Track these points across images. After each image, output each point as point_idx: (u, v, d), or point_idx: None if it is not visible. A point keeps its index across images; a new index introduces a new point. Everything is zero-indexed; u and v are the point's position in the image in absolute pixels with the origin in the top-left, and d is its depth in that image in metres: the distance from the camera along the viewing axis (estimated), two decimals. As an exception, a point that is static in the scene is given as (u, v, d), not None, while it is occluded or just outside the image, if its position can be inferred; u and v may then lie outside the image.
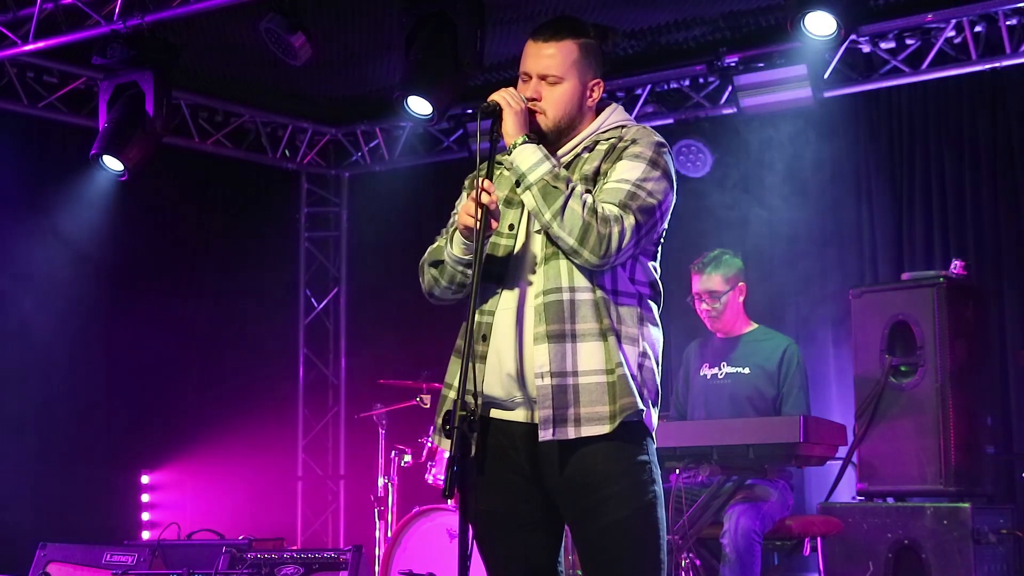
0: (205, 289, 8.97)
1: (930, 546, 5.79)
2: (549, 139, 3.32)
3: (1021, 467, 6.73)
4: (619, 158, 3.24)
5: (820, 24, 6.12)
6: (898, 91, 7.51)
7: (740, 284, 5.98)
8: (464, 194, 3.43)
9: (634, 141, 3.27)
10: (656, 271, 3.35)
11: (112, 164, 7.19)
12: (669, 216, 3.32)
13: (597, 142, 3.32)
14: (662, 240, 3.36)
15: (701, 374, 6.03)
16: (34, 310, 7.97)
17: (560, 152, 3.33)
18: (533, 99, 3.29)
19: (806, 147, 7.60)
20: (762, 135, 7.66)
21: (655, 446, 3.28)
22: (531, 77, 3.32)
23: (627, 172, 3.21)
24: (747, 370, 5.89)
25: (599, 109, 3.40)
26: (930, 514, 5.84)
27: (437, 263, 3.38)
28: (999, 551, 5.88)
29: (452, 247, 3.30)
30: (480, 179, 3.15)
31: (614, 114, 3.40)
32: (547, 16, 4.48)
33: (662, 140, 3.31)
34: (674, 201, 3.31)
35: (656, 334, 3.30)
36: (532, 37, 3.34)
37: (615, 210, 3.15)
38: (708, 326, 6.05)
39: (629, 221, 3.15)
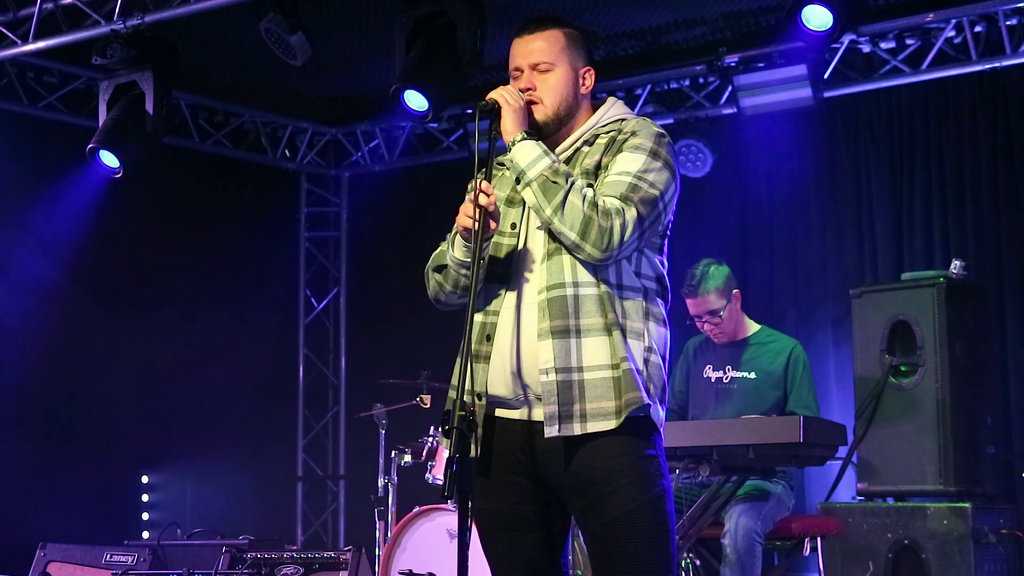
0: (205, 289, 8.96)
1: (930, 546, 5.79)
2: (548, 131, 3.30)
3: (1021, 467, 6.73)
4: (619, 150, 3.23)
5: (816, 18, 6.07)
6: (898, 91, 7.51)
7: (735, 291, 5.83)
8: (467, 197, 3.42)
9: (634, 133, 3.25)
10: (663, 265, 3.32)
11: (108, 159, 7.15)
12: (674, 207, 3.30)
13: (597, 136, 3.31)
14: (668, 233, 3.33)
15: (705, 376, 5.96)
16: (34, 310, 7.98)
17: (559, 147, 3.32)
18: (528, 89, 3.29)
19: (806, 147, 7.60)
20: (762, 135, 7.66)
21: (663, 442, 3.25)
22: (523, 71, 3.32)
23: (628, 164, 3.19)
24: (753, 375, 5.83)
25: (597, 106, 3.39)
26: (930, 514, 5.84)
27: (440, 268, 3.36)
28: (999, 551, 5.88)
29: (453, 250, 3.28)
30: (478, 180, 3.14)
31: (613, 108, 3.39)
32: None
33: (662, 131, 3.29)
34: (678, 192, 3.29)
35: (662, 331, 3.27)
36: (517, 35, 3.35)
37: (616, 203, 3.13)
38: (715, 341, 5.96)
39: (631, 213, 3.13)
